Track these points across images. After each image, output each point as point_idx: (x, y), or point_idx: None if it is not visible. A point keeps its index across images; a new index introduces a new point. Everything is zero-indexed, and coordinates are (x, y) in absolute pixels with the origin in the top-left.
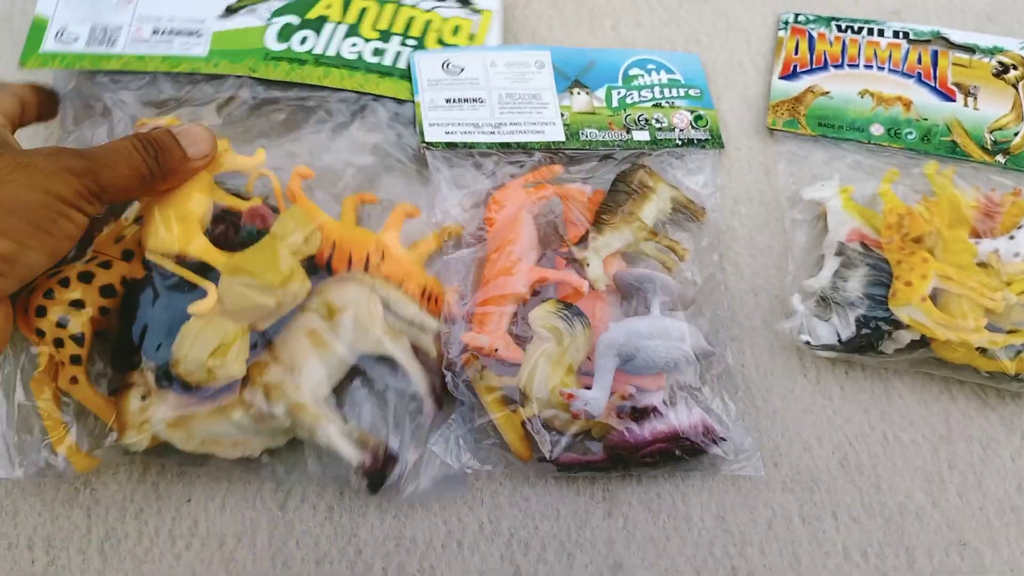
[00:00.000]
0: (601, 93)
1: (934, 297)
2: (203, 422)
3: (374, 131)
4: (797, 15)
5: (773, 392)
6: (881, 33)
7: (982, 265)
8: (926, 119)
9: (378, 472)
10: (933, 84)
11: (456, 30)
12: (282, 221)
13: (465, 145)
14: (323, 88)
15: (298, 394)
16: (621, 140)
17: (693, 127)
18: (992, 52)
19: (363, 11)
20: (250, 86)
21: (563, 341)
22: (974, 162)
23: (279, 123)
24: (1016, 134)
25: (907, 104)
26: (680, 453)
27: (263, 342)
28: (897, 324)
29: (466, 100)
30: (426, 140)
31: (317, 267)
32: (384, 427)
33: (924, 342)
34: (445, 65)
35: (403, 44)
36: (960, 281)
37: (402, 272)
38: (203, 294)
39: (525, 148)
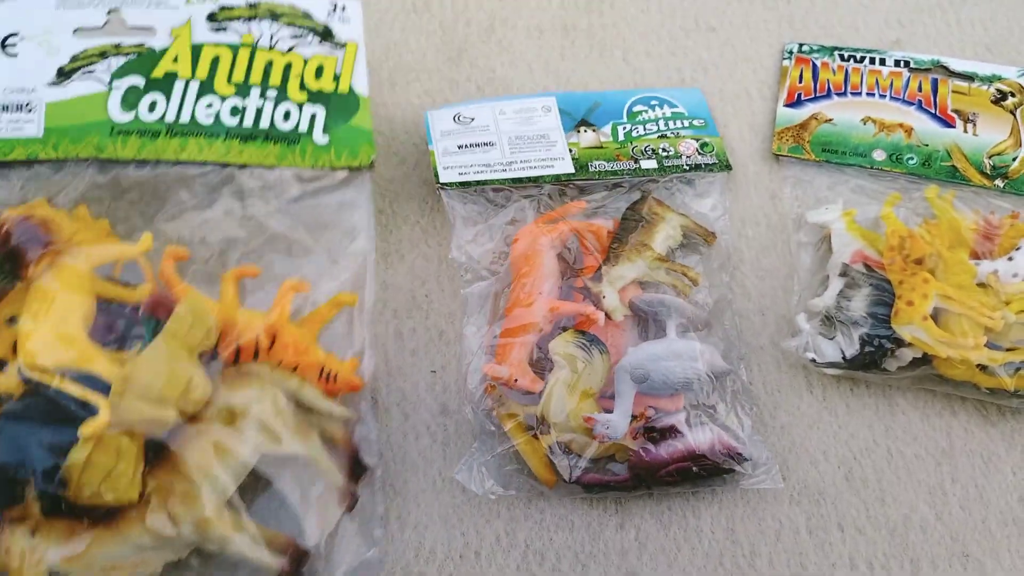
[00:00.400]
0: (607, 129)
1: (935, 316)
2: (102, 549)
3: (245, 202)
4: (801, 45)
5: (780, 408)
6: (883, 62)
7: (982, 285)
8: (927, 145)
9: (295, 573)
10: (933, 111)
11: (319, 72)
12: (178, 316)
13: (478, 183)
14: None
15: (205, 509)
16: (629, 169)
17: (699, 153)
18: (990, 80)
19: (215, 61)
20: (97, 165)
21: (578, 368)
22: (973, 186)
23: (137, 203)
24: (1014, 159)
25: (908, 130)
26: (699, 471)
27: (158, 449)
28: (899, 342)
29: (477, 145)
30: (441, 181)
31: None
32: (292, 519)
33: (926, 360)
34: (456, 118)
35: (263, 97)
36: (960, 301)
37: (296, 355)
38: (93, 410)
39: (536, 182)
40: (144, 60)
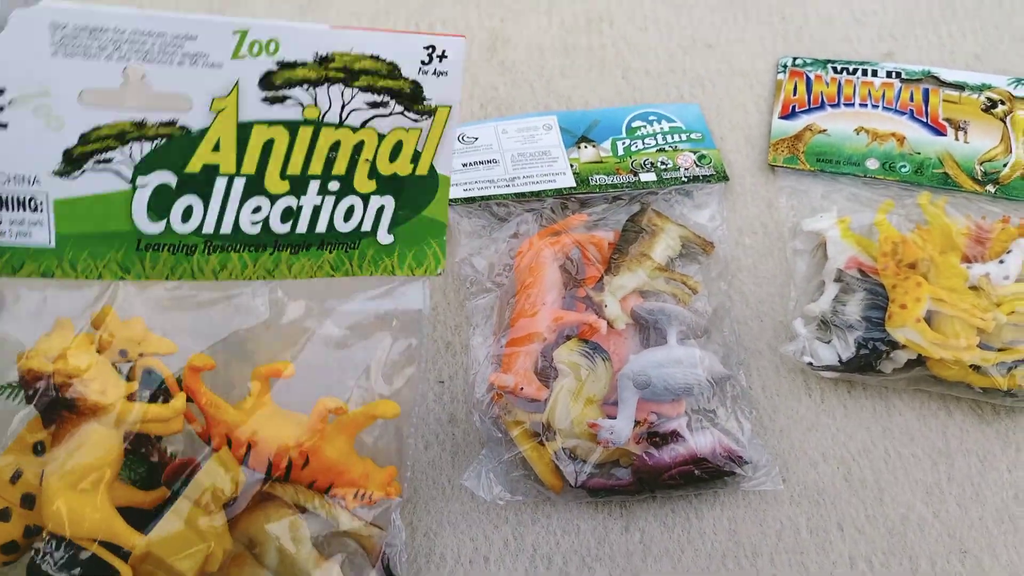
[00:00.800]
0: (607, 145)
1: (928, 319)
2: None
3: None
4: (795, 59)
5: (779, 412)
6: (875, 74)
7: (973, 288)
8: (919, 153)
9: None
10: (925, 120)
11: (396, 150)
12: (197, 482)
13: (482, 199)
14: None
15: None
16: (629, 182)
17: (697, 165)
18: (980, 89)
19: (267, 148)
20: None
21: (581, 375)
22: (965, 192)
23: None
24: (1005, 165)
25: (900, 139)
26: (701, 474)
27: None
28: (894, 345)
29: (481, 162)
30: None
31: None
32: None
33: (920, 361)
34: (461, 138)
35: (322, 192)
36: (952, 303)
37: (331, 476)
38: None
39: (538, 196)
40: (176, 147)
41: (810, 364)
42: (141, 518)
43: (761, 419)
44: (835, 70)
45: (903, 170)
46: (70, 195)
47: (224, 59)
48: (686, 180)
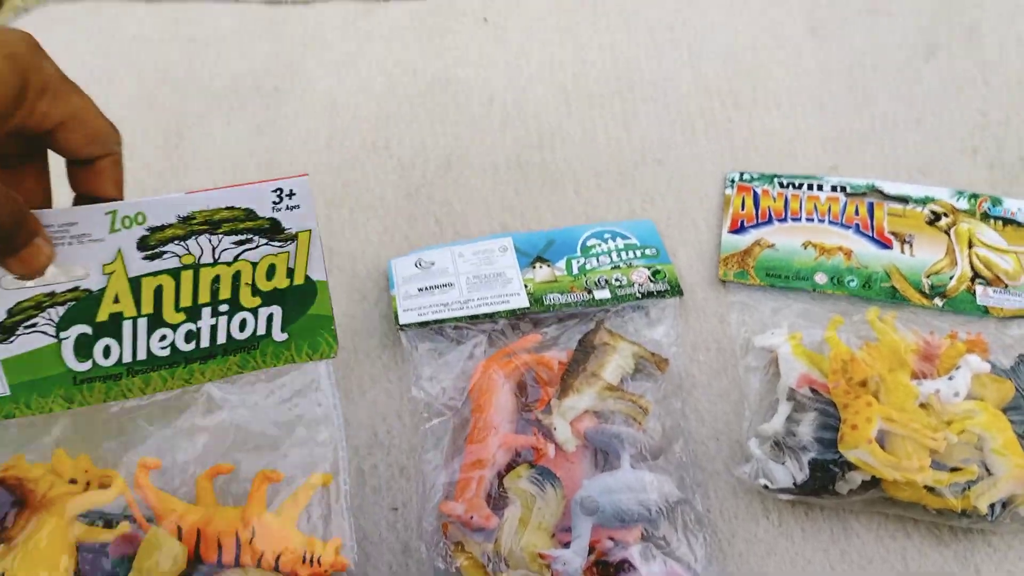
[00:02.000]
0: (562, 264)
1: (881, 439)
2: None
3: (212, 415)
4: (742, 174)
5: (737, 536)
6: (820, 188)
7: (924, 406)
8: (866, 267)
9: None
10: (871, 234)
11: (271, 272)
12: (143, 552)
13: (436, 322)
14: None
15: None
16: (583, 300)
17: (651, 281)
18: (924, 202)
19: (158, 292)
20: (60, 412)
21: (531, 504)
22: (913, 306)
23: (113, 436)
24: (951, 278)
25: (848, 253)
26: None
27: None
28: (848, 466)
29: (437, 286)
30: (401, 323)
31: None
32: None
33: (876, 482)
34: (418, 263)
35: (215, 315)
36: (903, 423)
37: (278, 544)
38: None
39: (492, 318)
40: (84, 305)
41: (765, 486)
42: None
43: (720, 543)
44: (781, 184)
45: (851, 284)
46: (12, 354)
47: (104, 234)
48: (640, 296)
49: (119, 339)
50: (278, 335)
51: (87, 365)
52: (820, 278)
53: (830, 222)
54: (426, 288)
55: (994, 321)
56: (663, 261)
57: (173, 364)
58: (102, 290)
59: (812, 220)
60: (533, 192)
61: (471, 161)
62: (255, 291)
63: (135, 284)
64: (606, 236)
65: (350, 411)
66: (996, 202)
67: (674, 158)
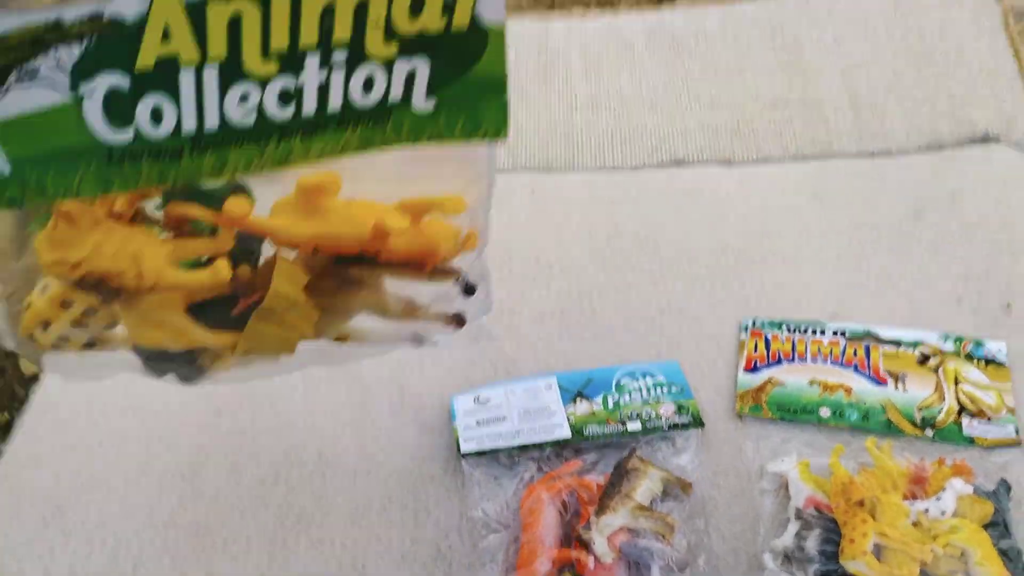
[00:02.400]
0: (599, 399)
1: (877, 551)
2: None
3: None
4: (754, 320)
5: None
6: (823, 332)
7: (915, 523)
8: (864, 402)
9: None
10: (868, 373)
11: (418, 4)
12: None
13: (492, 451)
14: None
15: None
16: (618, 432)
17: (677, 414)
18: (914, 344)
19: (234, 25)
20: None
21: None
22: (907, 436)
23: None
24: (940, 411)
25: (848, 390)
26: None
27: None
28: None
29: (492, 419)
30: (462, 452)
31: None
32: None
33: None
34: (476, 399)
35: (325, 65)
36: (895, 538)
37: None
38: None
39: (539, 447)
40: (113, 44)
41: None
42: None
43: None
44: (788, 330)
45: (852, 417)
46: (3, 116)
47: None
48: (667, 428)
49: (175, 98)
50: (420, 103)
51: (126, 135)
52: (824, 412)
53: (832, 362)
54: (483, 421)
55: (979, 450)
56: (687, 397)
57: (261, 138)
58: (143, 18)
59: (816, 361)
60: (574, 337)
61: (521, 312)
62: (390, 33)
63: (196, 11)
64: (637, 375)
65: (417, 530)
66: (979, 344)
67: (695, 307)
